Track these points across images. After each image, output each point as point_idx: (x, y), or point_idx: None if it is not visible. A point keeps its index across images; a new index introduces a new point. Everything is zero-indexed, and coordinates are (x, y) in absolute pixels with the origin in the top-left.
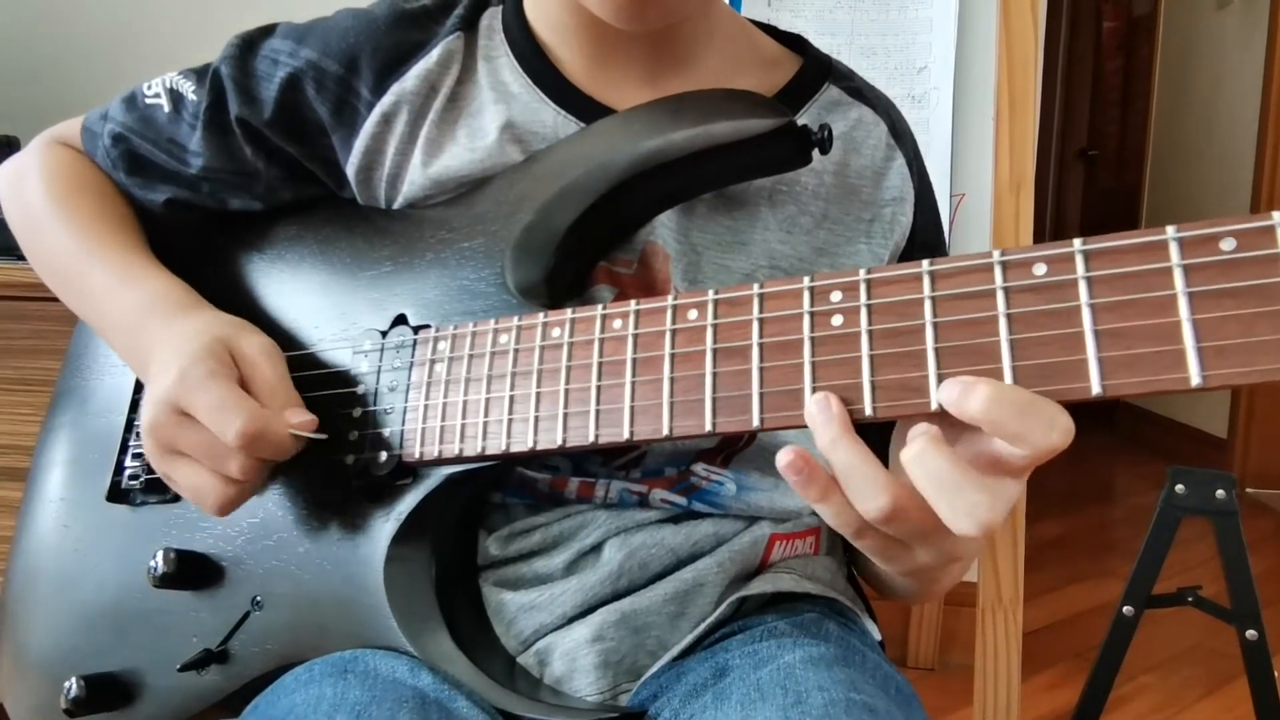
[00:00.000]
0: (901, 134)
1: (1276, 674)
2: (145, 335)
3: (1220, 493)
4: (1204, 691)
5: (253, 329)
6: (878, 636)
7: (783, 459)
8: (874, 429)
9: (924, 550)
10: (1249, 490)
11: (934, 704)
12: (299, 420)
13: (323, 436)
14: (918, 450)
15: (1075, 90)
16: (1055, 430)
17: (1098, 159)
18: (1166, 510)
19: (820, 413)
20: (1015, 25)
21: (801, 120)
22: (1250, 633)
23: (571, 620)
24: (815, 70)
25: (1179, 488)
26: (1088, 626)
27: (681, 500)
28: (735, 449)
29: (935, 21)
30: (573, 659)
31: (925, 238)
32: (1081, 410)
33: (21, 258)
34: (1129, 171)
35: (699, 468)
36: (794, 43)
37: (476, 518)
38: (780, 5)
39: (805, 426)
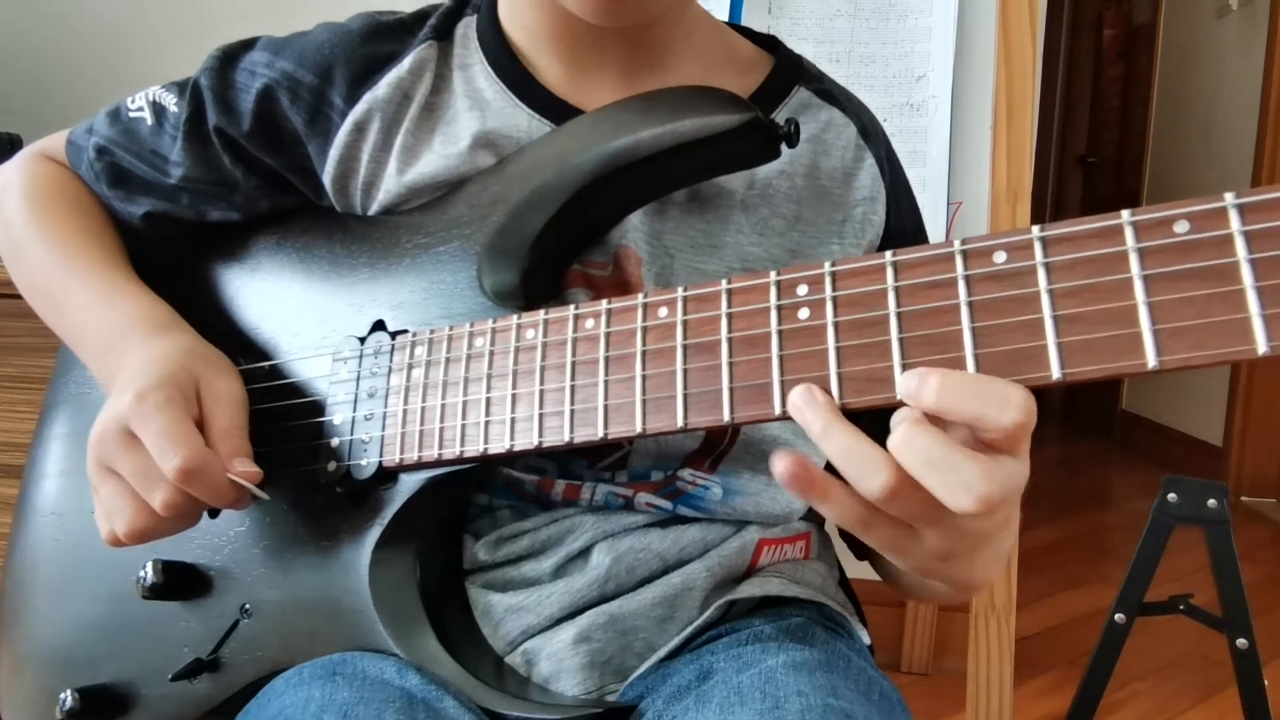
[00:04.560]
0: (871, 134)
1: (1267, 683)
2: (117, 353)
3: (1212, 502)
4: (1196, 699)
5: (228, 371)
6: (867, 641)
7: (779, 469)
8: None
9: (933, 533)
10: (1244, 499)
11: (927, 709)
12: (242, 469)
13: (264, 497)
14: (903, 434)
15: (1075, 97)
16: (1011, 407)
17: (1097, 165)
18: (1159, 519)
19: (806, 404)
20: (1014, 35)
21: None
22: (1241, 641)
23: (559, 622)
24: (786, 72)
25: (1171, 496)
26: (1081, 632)
27: (667, 504)
28: (720, 451)
29: (934, 30)
30: (559, 659)
31: (902, 234)
32: (1078, 417)
33: None
34: (1128, 178)
35: (685, 473)
36: (768, 44)
37: (460, 519)
38: (780, 13)
39: (777, 419)
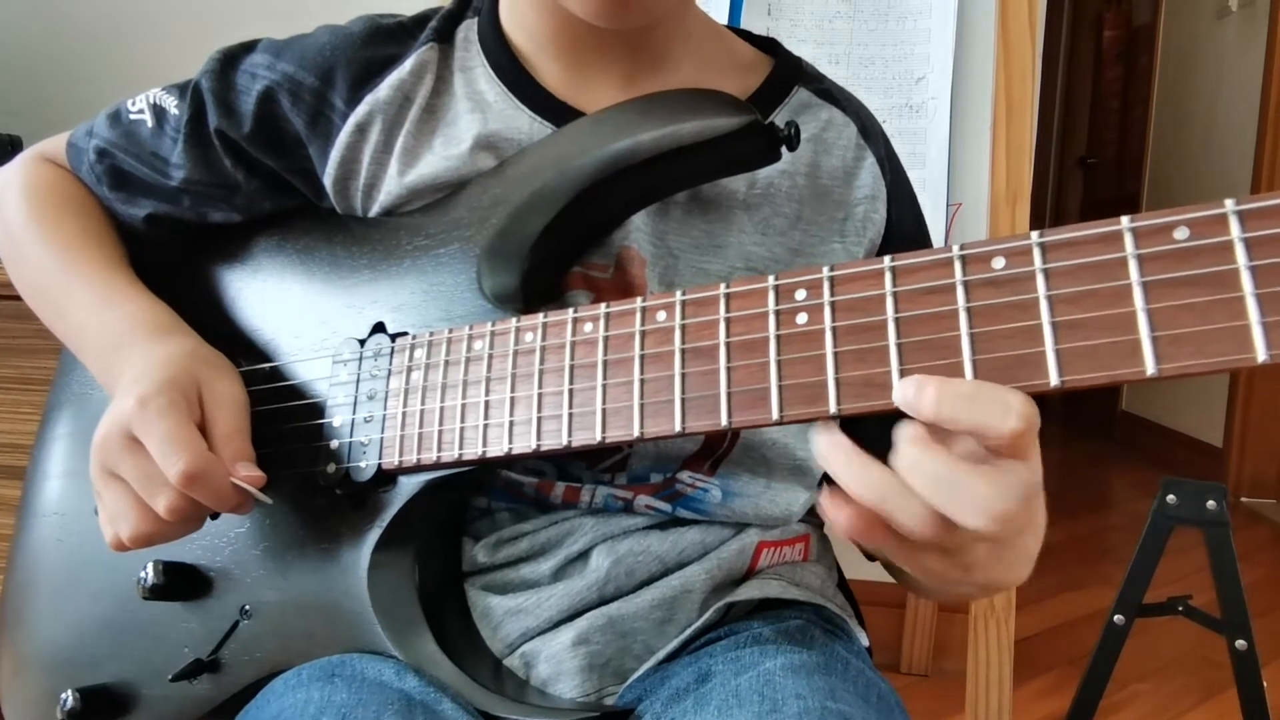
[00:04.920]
0: (871, 133)
1: (1266, 684)
2: (120, 356)
3: (1211, 503)
4: (1196, 700)
5: (230, 374)
6: (866, 643)
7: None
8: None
9: (956, 552)
10: (1244, 499)
11: (927, 710)
12: (246, 473)
13: (267, 501)
14: (912, 459)
15: (1075, 98)
16: (1011, 414)
17: (1097, 166)
18: (1158, 520)
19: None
20: (1013, 36)
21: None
22: (1240, 642)
23: (558, 624)
24: (786, 73)
25: (1170, 498)
26: (1081, 633)
27: (666, 507)
28: (720, 454)
29: (933, 32)
30: (558, 662)
31: (904, 233)
32: (1079, 418)
33: None
34: (1128, 179)
35: (684, 475)
36: (767, 45)
37: (459, 522)
38: (780, 15)
39: (775, 424)
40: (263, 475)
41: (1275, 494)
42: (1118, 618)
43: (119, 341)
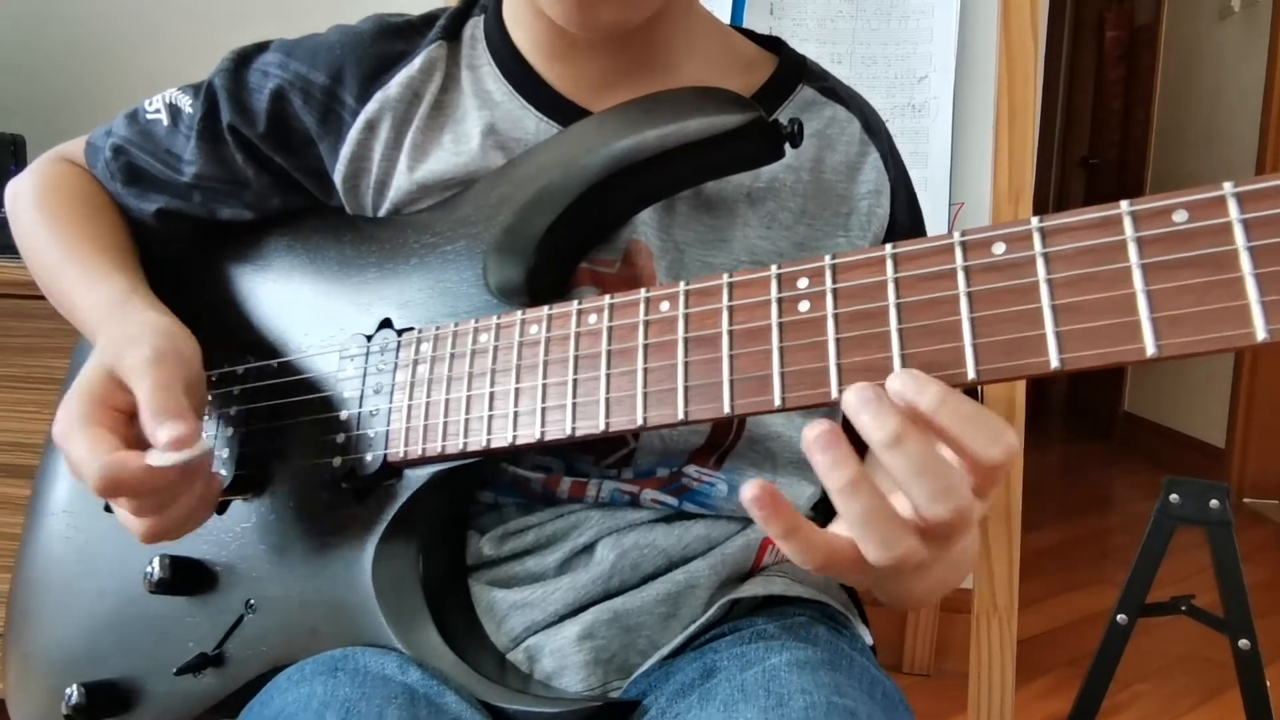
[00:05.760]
0: (875, 130)
1: (1269, 684)
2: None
3: (1214, 503)
4: (1198, 700)
5: (141, 341)
6: (869, 641)
7: (747, 495)
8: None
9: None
10: (1246, 500)
11: (929, 710)
12: (168, 435)
13: (197, 452)
14: (898, 431)
15: (1077, 98)
16: (998, 446)
17: (1099, 167)
18: (1161, 520)
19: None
20: (1016, 36)
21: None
22: (1243, 642)
23: (563, 618)
24: (790, 71)
25: (1173, 497)
26: (1083, 634)
27: (672, 501)
28: (725, 447)
29: (936, 31)
30: (563, 656)
31: (905, 228)
32: (1081, 419)
33: None
34: (1130, 179)
35: (691, 469)
36: (771, 44)
37: (463, 516)
38: (782, 14)
39: (777, 411)
40: (189, 431)
41: (1278, 494)
42: (1120, 617)
43: (96, 325)
